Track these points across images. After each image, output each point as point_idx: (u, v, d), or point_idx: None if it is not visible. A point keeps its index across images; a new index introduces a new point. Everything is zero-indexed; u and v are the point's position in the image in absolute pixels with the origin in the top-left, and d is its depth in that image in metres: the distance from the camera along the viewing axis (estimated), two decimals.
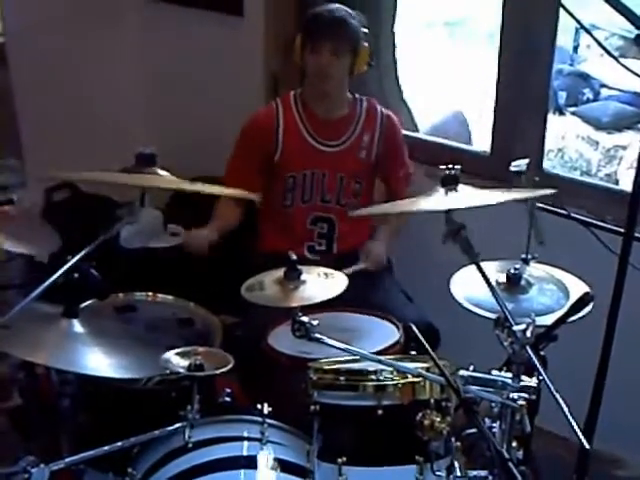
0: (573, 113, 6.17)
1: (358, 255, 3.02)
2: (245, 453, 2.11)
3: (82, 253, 2.06)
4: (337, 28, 2.93)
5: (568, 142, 5.89)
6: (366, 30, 3.00)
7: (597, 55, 6.26)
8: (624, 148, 5.60)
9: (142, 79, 4.12)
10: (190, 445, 2.10)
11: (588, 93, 6.26)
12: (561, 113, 6.21)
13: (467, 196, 1.96)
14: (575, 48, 6.60)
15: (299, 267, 2.18)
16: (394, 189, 3.18)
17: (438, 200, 1.96)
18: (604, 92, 6.24)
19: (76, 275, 2.13)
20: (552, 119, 5.93)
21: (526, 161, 2.34)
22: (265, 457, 2.08)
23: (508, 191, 2.03)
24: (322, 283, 2.22)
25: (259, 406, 2.20)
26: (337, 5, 3.02)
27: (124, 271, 2.79)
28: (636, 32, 1.72)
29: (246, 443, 2.13)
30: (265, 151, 3.08)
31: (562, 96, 6.19)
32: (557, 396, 1.75)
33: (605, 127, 5.83)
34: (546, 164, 3.41)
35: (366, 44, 2.99)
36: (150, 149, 2.25)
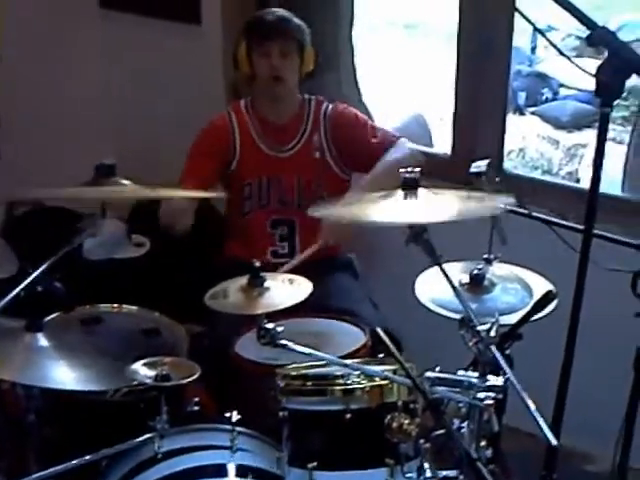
0: (533, 113, 6.25)
1: (323, 263, 3.00)
2: (215, 462, 2.10)
3: (44, 266, 2.05)
4: (283, 28, 2.96)
5: (529, 142, 5.95)
6: (307, 29, 3.02)
7: (555, 55, 6.33)
8: (584, 146, 5.67)
9: (102, 90, 4.10)
10: (160, 456, 2.10)
11: (547, 93, 6.35)
12: (521, 113, 6.28)
13: (428, 204, 1.95)
14: (533, 49, 6.68)
15: (262, 274, 2.18)
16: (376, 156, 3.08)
17: (398, 209, 1.95)
18: (563, 91, 6.33)
19: (39, 288, 2.12)
20: (512, 119, 5.99)
21: (486, 162, 2.35)
22: (235, 465, 2.08)
23: (469, 195, 2.02)
24: (286, 289, 2.22)
25: (228, 414, 2.20)
26: (276, 8, 3.06)
27: (89, 283, 2.78)
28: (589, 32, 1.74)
29: (216, 452, 2.12)
30: (222, 159, 3.08)
31: (521, 96, 6.27)
32: (523, 395, 1.76)
33: (565, 126, 5.91)
34: (508, 164, 3.45)
35: (310, 43, 3.02)
36: (110, 160, 2.24)
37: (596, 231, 1.99)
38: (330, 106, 3.14)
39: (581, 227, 2.00)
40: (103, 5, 3.97)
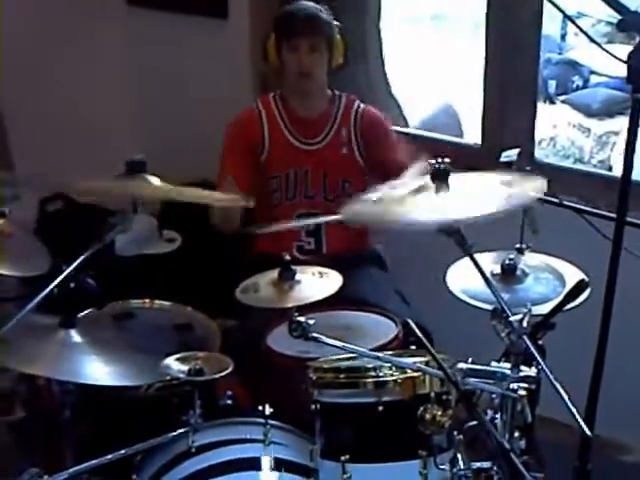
0: (563, 101, 6.18)
1: (351, 256, 3.01)
2: (248, 455, 2.12)
3: (77, 262, 2.06)
4: (312, 24, 2.96)
5: (560, 130, 5.90)
6: (338, 23, 3.03)
7: (586, 42, 6.26)
8: (616, 134, 5.61)
9: (130, 86, 4.13)
10: (193, 450, 2.11)
11: (577, 81, 6.27)
12: (552, 102, 6.22)
13: (461, 198, 1.92)
14: (563, 36, 6.60)
15: (293, 267, 2.18)
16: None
17: (431, 205, 1.92)
18: (593, 79, 6.25)
19: (72, 285, 2.13)
20: (543, 108, 5.94)
21: (516, 151, 2.34)
22: (268, 458, 2.09)
23: (502, 181, 2.00)
24: (317, 282, 2.22)
25: (260, 408, 2.21)
26: (306, 2, 3.05)
27: (121, 279, 2.79)
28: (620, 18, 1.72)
29: (249, 445, 2.14)
30: (253, 150, 3.09)
31: (552, 85, 6.20)
32: (557, 385, 1.75)
33: (596, 114, 5.84)
34: (539, 153, 3.42)
35: (339, 37, 3.02)
36: (140, 156, 2.25)
37: (629, 219, 1.97)
38: (362, 105, 3.14)
39: (613, 215, 1.98)
40: (130, 2, 4.01)
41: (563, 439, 2.19)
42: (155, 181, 2.12)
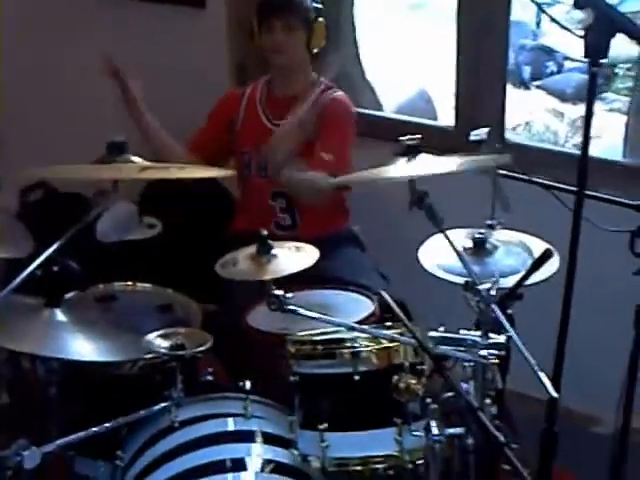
0: (538, 87, 6.24)
1: (328, 237, 3.05)
2: (231, 428, 2.17)
3: (59, 242, 2.11)
4: (287, 6, 3.05)
5: (535, 116, 5.95)
6: (319, 5, 3.10)
7: (559, 29, 6.32)
8: None
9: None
10: (176, 424, 2.16)
11: (552, 66, 6.33)
12: (526, 87, 6.28)
13: (427, 164, 2.02)
14: (538, 23, 6.66)
15: (270, 242, 2.23)
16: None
17: (400, 168, 2.02)
18: (567, 64, 6.31)
19: (55, 268, 2.18)
20: (518, 93, 6.01)
21: (486, 130, 2.40)
22: (250, 431, 2.14)
23: (467, 158, 2.08)
24: (293, 256, 2.27)
25: (241, 383, 2.26)
26: None
27: (102, 265, 2.83)
28: None
29: (231, 419, 2.19)
30: (227, 126, 3.22)
31: (526, 70, 6.26)
32: (524, 350, 1.82)
33: (570, 98, 5.91)
34: (514, 138, 3.47)
35: (321, 19, 3.08)
36: (121, 137, 2.29)
37: (590, 192, 2.04)
38: (336, 93, 3.16)
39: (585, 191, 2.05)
40: None
41: (537, 414, 2.25)
42: (137, 161, 2.15)
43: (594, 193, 2.18)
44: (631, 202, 2.30)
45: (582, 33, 1.77)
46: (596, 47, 1.77)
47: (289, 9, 3.05)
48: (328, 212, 3.17)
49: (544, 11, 2.18)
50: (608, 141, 4.89)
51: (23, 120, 3.92)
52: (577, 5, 1.76)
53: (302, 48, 3.10)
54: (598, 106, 5.60)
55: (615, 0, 5.96)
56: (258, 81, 3.28)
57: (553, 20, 1.97)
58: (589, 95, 1.88)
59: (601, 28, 1.75)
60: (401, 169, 2.02)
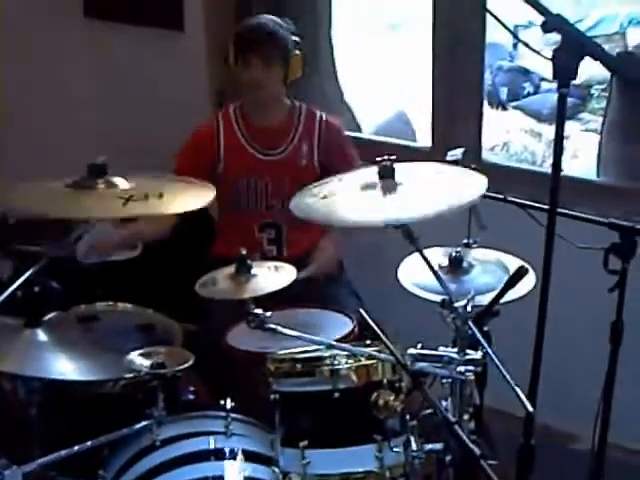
0: (515, 107, 6.30)
1: (309, 259, 3.07)
2: (212, 447, 2.18)
3: (39, 263, 2.12)
4: (266, 42, 3.00)
5: (512, 136, 6.01)
6: (297, 38, 3.08)
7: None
8: (566, 138, 5.74)
9: (91, 95, 4.17)
10: (158, 443, 2.17)
11: (529, 87, 6.40)
12: (504, 108, 6.34)
13: (408, 197, 2.01)
14: (515, 45, 6.73)
15: (249, 262, 2.25)
16: None
17: (378, 205, 2.00)
18: (544, 85, 6.37)
19: (36, 288, 2.19)
20: (495, 114, 6.07)
21: (461, 150, 2.43)
22: (231, 449, 2.15)
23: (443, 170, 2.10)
24: (272, 275, 2.29)
25: (222, 402, 2.28)
26: (265, 17, 3.09)
27: (84, 287, 2.85)
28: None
29: (212, 437, 2.20)
30: (206, 164, 3.12)
31: (503, 91, 6.32)
32: (500, 366, 1.85)
33: (547, 119, 5.96)
34: (492, 158, 3.51)
35: (297, 52, 3.06)
36: (102, 158, 2.29)
37: (564, 210, 2.08)
38: (324, 116, 3.19)
39: (560, 210, 2.08)
40: (87, 14, 4.04)
41: (515, 430, 2.27)
42: (119, 181, 2.14)
43: (567, 211, 2.21)
44: (604, 220, 2.34)
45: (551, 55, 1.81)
46: (564, 69, 1.82)
47: (268, 45, 3.00)
48: (314, 235, 3.18)
49: (515, 35, 2.21)
50: (585, 160, 4.95)
51: (7, 140, 3.93)
52: (544, 29, 1.81)
53: (279, 82, 3.08)
54: (574, 126, 5.70)
55: (591, 22, 6.14)
56: (225, 112, 3.20)
57: (523, 42, 2.01)
58: (559, 114, 1.92)
59: (569, 50, 1.79)
60: (376, 204, 2.01)
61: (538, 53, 1.83)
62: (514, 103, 6.32)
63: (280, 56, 3.02)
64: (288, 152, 3.15)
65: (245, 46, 3.03)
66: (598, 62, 1.85)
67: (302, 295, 2.64)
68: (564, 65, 1.80)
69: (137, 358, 2.20)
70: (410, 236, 1.99)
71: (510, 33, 1.95)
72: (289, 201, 3.03)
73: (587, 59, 1.84)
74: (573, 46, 1.77)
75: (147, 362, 2.19)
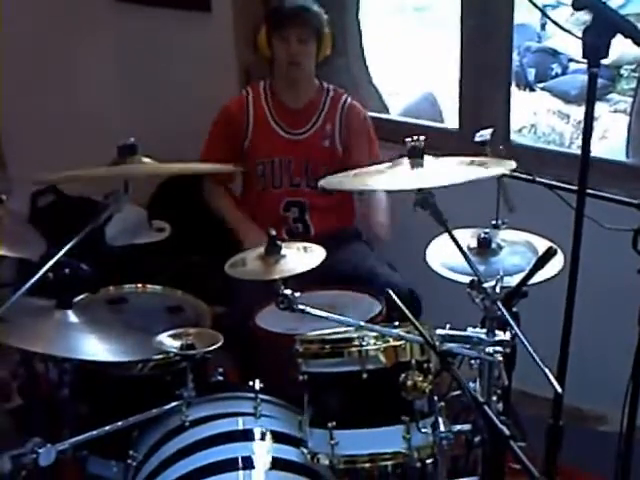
0: (543, 88, 6.26)
1: (337, 236, 3.10)
2: (241, 427, 2.20)
3: (71, 243, 2.14)
4: (302, 16, 3.06)
5: (540, 117, 5.97)
6: (326, 16, 3.12)
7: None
8: (595, 119, 5.69)
9: (118, 79, 4.19)
10: (187, 424, 2.19)
11: (557, 68, 6.35)
12: (531, 89, 6.30)
13: (433, 172, 2.03)
14: (543, 25, 6.68)
15: (278, 242, 2.25)
16: None
17: (405, 176, 2.04)
18: (572, 66, 6.33)
19: (67, 270, 2.21)
20: (523, 95, 6.04)
21: (490, 130, 2.42)
22: (260, 430, 2.17)
23: (472, 160, 2.10)
24: (301, 256, 2.29)
25: (251, 383, 2.30)
26: None
27: (112, 269, 2.86)
28: None
29: (241, 418, 2.22)
30: (236, 138, 3.20)
31: (531, 72, 6.28)
32: (529, 347, 1.84)
33: (574, 100, 5.92)
34: (520, 139, 3.48)
35: (327, 29, 3.12)
36: (131, 140, 2.32)
37: (593, 191, 2.07)
38: (349, 100, 3.23)
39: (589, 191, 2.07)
40: None
41: (543, 413, 2.26)
42: (147, 161, 2.18)
43: (596, 192, 2.20)
44: (634, 201, 2.32)
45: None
46: (595, 48, 1.80)
47: (304, 20, 3.07)
48: (338, 213, 3.21)
49: (545, 14, 2.20)
50: (613, 141, 4.91)
51: (30, 124, 3.94)
52: (575, 6, 1.79)
53: (313, 59, 3.14)
54: (603, 107, 5.65)
55: (620, 1, 6.07)
56: (255, 87, 3.26)
57: (553, 22, 1.99)
58: (589, 95, 1.91)
59: (599, 29, 1.77)
60: (409, 178, 2.03)
61: (569, 32, 1.81)
62: (542, 84, 6.27)
63: (314, 32, 3.08)
64: (312, 132, 3.19)
65: (282, 21, 3.08)
66: (629, 40, 1.83)
67: (333, 268, 2.62)
68: (595, 44, 1.79)
69: (166, 339, 2.22)
70: (438, 216, 1.99)
71: (541, 12, 1.93)
72: (313, 181, 3.12)
73: (617, 39, 1.82)
74: (604, 24, 1.76)
75: (176, 343, 2.21)
